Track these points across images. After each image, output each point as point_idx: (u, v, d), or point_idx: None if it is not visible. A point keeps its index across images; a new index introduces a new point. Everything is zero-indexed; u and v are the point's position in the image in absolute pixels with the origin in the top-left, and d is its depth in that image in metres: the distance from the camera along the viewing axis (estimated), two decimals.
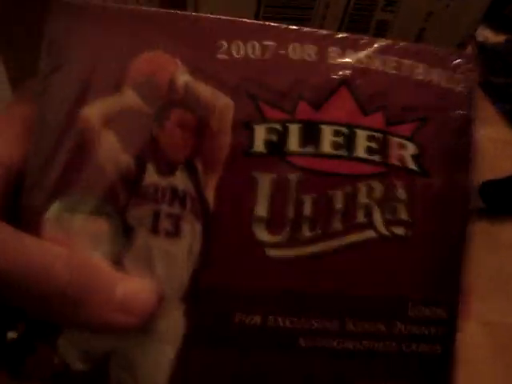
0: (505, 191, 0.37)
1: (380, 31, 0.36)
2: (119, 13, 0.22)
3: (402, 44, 0.23)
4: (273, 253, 0.22)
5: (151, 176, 0.22)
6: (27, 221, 0.22)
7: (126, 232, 0.22)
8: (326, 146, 0.22)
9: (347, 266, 0.22)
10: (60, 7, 0.22)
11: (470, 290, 0.23)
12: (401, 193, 0.23)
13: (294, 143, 0.22)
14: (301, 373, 0.23)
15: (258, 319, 0.22)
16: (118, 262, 0.22)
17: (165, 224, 0.22)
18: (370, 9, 0.35)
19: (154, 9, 0.22)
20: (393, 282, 0.23)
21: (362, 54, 0.23)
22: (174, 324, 0.22)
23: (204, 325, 0.22)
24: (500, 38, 0.52)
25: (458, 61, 0.23)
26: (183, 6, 0.31)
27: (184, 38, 0.22)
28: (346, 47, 0.23)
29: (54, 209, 0.21)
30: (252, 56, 0.22)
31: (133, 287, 0.21)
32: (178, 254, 0.22)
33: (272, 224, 0.22)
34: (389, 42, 0.23)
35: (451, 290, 0.23)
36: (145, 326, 0.22)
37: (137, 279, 0.22)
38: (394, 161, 0.23)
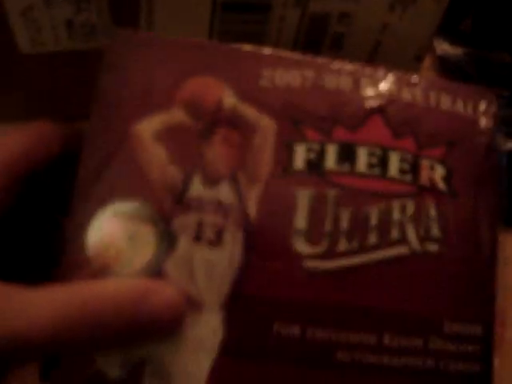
0: None
1: (336, 44, 0.37)
2: (172, 41, 0.25)
3: (428, 78, 0.25)
4: (311, 264, 0.23)
5: (197, 187, 0.23)
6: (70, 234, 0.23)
7: (169, 239, 0.23)
8: (362, 166, 0.24)
9: (383, 280, 0.23)
10: (121, 36, 0.25)
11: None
12: (432, 211, 0.24)
13: (331, 162, 0.24)
14: None
15: (296, 330, 0.22)
16: (160, 268, 0.22)
17: (207, 233, 0.23)
18: (325, 22, 0.35)
19: (200, 39, 0.25)
20: (428, 298, 0.23)
21: (392, 86, 0.25)
22: (211, 332, 0.22)
23: (242, 334, 0.22)
24: (458, 51, 0.55)
25: (478, 94, 0.26)
26: (136, 18, 0.33)
27: (230, 66, 0.24)
28: (377, 79, 0.25)
29: (105, 215, 0.23)
30: (293, 84, 0.25)
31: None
32: (219, 263, 0.23)
33: (310, 236, 0.23)
34: (416, 76, 0.25)
35: (485, 307, 0.24)
36: (179, 331, 0.22)
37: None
38: (425, 182, 0.24)
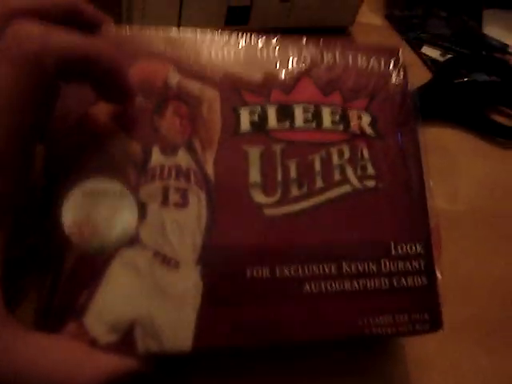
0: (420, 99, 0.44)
1: None
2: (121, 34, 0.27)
3: (344, 43, 0.29)
4: (269, 211, 0.26)
5: (157, 157, 0.25)
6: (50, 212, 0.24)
7: (139, 207, 0.24)
8: (299, 121, 0.27)
9: (334, 217, 0.26)
10: None
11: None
12: (365, 153, 0.28)
13: (273, 121, 0.27)
14: (309, 315, 0.25)
15: (266, 271, 0.25)
16: (134, 235, 0.24)
17: (173, 197, 0.25)
18: None
19: (142, 28, 0.27)
20: (374, 227, 0.27)
21: (314, 52, 0.29)
22: (192, 287, 0.24)
23: (219, 284, 0.24)
24: None
25: (387, 53, 0.30)
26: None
27: (172, 49, 0.27)
28: (301, 47, 0.29)
29: (75, 195, 0.24)
30: (228, 58, 0.27)
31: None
32: (188, 222, 0.25)
33: (265, 187, 0.26)
34: (334, 42, 0.29)
35: (422, 228, 0.27)
36: (163, 289, 0.24)
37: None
38: (355, 129, 0.28)
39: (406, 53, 0.53)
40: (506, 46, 0.57)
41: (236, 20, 0.46)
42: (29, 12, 0.23)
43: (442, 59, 0.53)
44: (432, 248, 0.27)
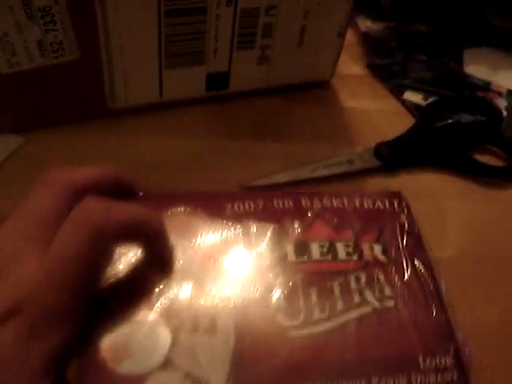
0: (395, 149, 0.45)
1: (266, 32, 0.45)
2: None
3: (350, 191, 0.36)
4: (294, 333, 0.27)
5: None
6: None
7: (172, 334, 0.27)
8: (315, 255, 0.31)
9: (358, 335, 0.28)
10: None
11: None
12: (381, 277, 0.30)
13: (292, 256, 0.31)
14: None
15: None
16: (167, 358, 0.26)
17: (203, 323, 0.27)
18: (255, 14, 0.43)
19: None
20: (399, 342, 0.28)
21: (325, 200, 0.34)
22: None
23: None
24: (380, 26, 0.62)
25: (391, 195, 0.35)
26: (95, 33, 0.39)
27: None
28: (312, 197, 0.34)
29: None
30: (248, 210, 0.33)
31: None
32: (216, 345, 0.27)
33: (290, 312, 0.28)
34: (339, 191, 0.35)
35: (449, 339, 0.28)
36: None
37: None
38: (368, 258, 0.31)
39: (388, 101, 0.54)
40: (489, 83, 0.57)
41: (216, 85, 0.48)
42: (89, 187, 0.28)
43: (424, 103, 0.53)
44: (463, 359, 0.28)
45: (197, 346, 0.26)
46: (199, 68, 0.45)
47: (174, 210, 0.32)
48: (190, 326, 0.27)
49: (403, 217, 0.34)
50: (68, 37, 0.38)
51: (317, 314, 0.28)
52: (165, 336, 0.26)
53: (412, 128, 0.49)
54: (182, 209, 0.32)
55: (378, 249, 0.32)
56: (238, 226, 0.32)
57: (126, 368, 0.25)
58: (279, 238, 0.31)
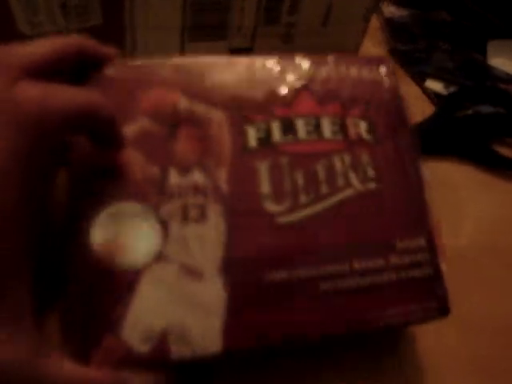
0: (423, 134, 0.46)
1: (292, 11, 0.44)
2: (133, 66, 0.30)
3: (335, 56, 0.32)
4: (281, 219, 0.28)
5: (174, 178, 0.27)
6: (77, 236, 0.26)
7: (162, 226, 0.27)
8: (302, 134, 0.30)
9: (342, 219, 0.28)
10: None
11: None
12: (365, 158, 0.30)
13: (277, 136, 0.29)
14: (325, 312, 0.27)
15: (284, 274, 0.27)
16: (159, 252, 0.26)
17: (192, 213, 0.27)
18: None
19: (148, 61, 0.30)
20: (378, 225, 0.29)
21: (310, 67, 0.31)
22: (216, 294, 0.26)
23: (241, 290, 0.26)
24: (404, 13, 0.62)
25: (377, 61, 0.33)
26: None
27: (179, 76, 0.29)
28: (297, 65, 0.31)
29: (101, 218, 0.26)
30: (230, 81, 0.30)
31: None
32: (208, 235, 0.27)
33: (276, 197, 0.28)
34: (324, 57, 0.32)
35: (423, 223, 0.30)
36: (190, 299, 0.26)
37: None
38: (353, 136, 0.30)
39: (408, 87, 0.54)
40: None
41: None
42: (34, 68, 0.23)
43: (445, 92, 0.53)
44: (435, 241, 0.29)
45: (188, 237, 0.27)
46: (222, 43, 0.44)
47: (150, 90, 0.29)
48: (179, 216, 0.27)
49: (389, 86, 0.32)
50: (92, 1, 0.37)
51: (303, 198, 0.28)
52: (156, 229, 0.26)
53: (432, 116, 0.49)
54: (162, 90, 0.29)
55: (363, 126, 0.31)
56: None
57: (120, 264, 0.25)
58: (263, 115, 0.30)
